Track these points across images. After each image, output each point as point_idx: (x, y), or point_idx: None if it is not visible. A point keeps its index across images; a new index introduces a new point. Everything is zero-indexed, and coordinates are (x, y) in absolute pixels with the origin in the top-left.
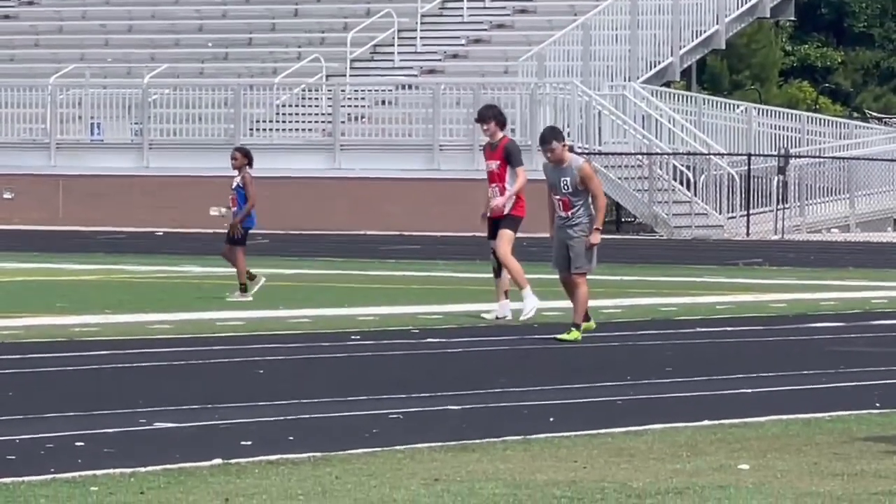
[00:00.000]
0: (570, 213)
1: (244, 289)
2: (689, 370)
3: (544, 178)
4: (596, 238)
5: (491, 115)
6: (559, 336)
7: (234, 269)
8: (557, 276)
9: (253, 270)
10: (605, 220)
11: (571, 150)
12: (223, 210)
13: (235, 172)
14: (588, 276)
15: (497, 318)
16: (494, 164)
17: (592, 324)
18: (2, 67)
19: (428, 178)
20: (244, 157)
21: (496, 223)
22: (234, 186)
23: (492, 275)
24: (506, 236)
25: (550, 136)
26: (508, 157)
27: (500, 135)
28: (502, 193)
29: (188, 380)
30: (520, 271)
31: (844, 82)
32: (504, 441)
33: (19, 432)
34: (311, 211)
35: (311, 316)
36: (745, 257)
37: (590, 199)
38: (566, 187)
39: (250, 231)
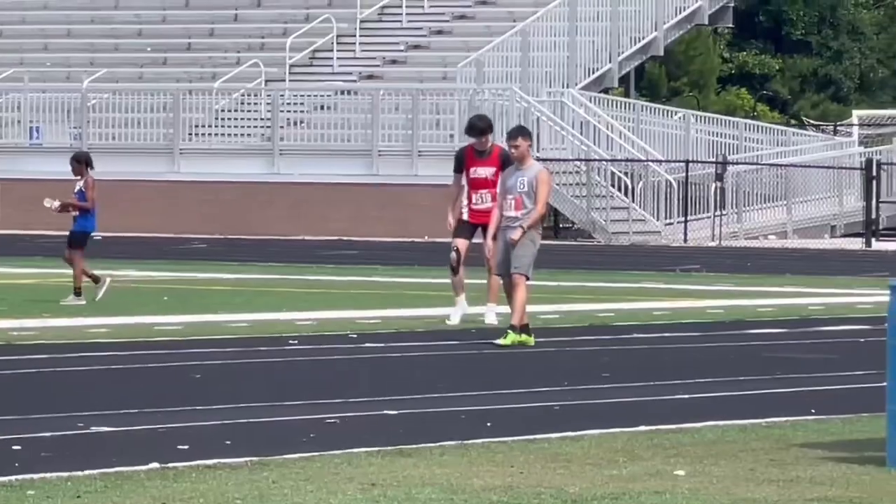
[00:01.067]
0: (520, 213)
1: (78, 292)
2: (626, 376)
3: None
4: (517, 234)
5: (487, 127)
6: (497, 341)
7: (72, 273)
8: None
9: (97, 272)
10: (544, 226)
11: None
12: (55, 204)
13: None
14: (528, 282)
15: (455, 319)
16: (489, 172)
17: (532, 340)
18: None
19: (367, 184)
20: (79, 163)
21: (474, 227)
22: (75, 191)
23: (448, 278)
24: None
25: (518, 133)
26: (506, 164)
27: (490, 142)
28: (495, 199)
29: (126, 384)
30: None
31: (782, 90)
32: (441, 446)
33: None
34: (250, 216)
35: (249, 320)
36: (682, 263)
37: None
38: (522, 186)
39: (90, 235)
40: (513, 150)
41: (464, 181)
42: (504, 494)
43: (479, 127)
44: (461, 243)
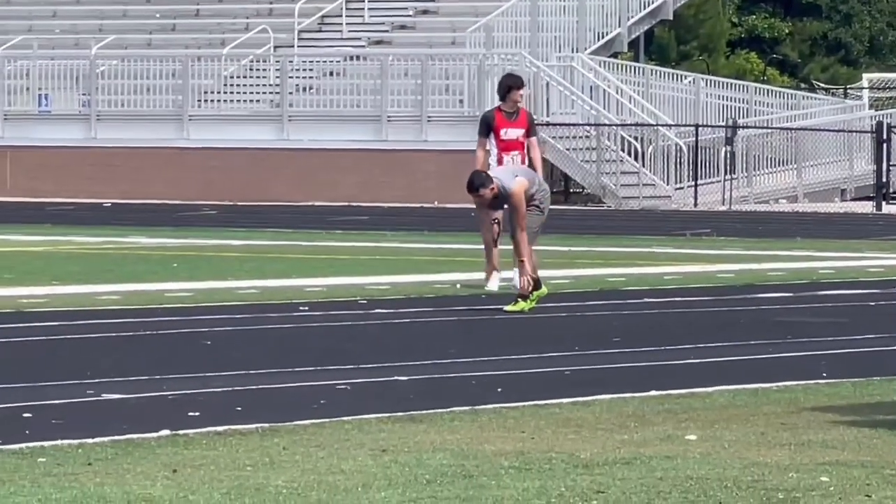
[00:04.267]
0: None
1: None
2: (636, 340)
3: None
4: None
5: (522, 83)
6: (506, 307)
7: None
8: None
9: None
10: (553, 191)
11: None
12: None
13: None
14: (534, 248)
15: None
16: (520, 133)
17: (545, 290)
18: None
19: (376, 150)
20: None
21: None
22: None
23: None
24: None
25: (478, 185)
26: (532, 125)
27: (520, 101)
28: (524, 161)
29: (136, 351)
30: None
31: (792, 53)
32: (452, 412)
33: None
34: (259, 182)
35: (259, 287)
36: (692, 228)
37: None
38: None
39: None
40: (478, 201)
41: (488, 146)
42: (515, 459)
43: (518, 83)
44: (500, 214)
